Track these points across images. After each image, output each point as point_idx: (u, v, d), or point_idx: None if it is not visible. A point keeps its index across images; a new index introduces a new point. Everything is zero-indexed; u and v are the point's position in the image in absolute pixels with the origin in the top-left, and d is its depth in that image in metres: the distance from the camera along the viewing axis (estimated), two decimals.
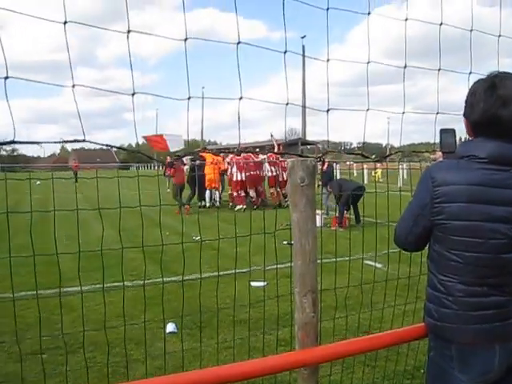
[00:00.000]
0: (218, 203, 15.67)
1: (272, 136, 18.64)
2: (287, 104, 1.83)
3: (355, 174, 25.83)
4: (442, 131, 1.99)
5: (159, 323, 4.00)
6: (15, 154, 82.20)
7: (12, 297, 4.81)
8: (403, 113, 2.15)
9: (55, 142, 1.41)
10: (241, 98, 1.73)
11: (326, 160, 14.88)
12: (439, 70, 2.25)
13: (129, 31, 1.46)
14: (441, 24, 2.18)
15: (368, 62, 2.04)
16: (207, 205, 15.53)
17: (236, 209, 14.50)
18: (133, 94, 1.53)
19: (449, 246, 1.69)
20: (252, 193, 15.31)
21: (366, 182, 19.03)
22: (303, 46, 39.91)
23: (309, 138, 63.39)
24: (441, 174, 1.69)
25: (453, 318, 1.70)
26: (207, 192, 15.71)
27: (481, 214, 1.62)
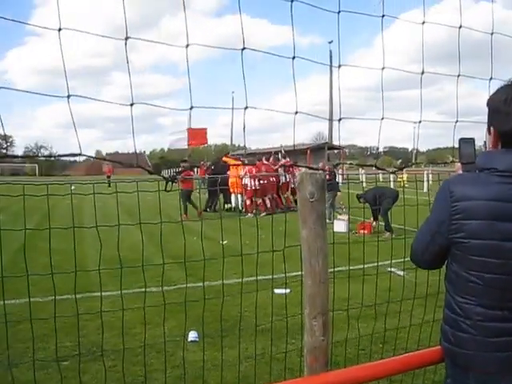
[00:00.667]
0: (240, 208, 15.75)
1: (282, 146, 19.96)
2: (296, 113, 1.78)
3: (381, 179, 25.39)
4: (462, 141, 1.87)
5: (182, 331, 4.02)
6: (52, 158, 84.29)
7: (40, 301, 4.97)
8: (420, 122, 2.09)
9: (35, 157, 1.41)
10: (246, 108, 1.72)
11: (327, 167, 15.27)
12: (458, 75, 2.17)
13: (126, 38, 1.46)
14: (460, 27, 2.12)
15: (383, 68, 1.99)
16: (233, 208, 15.73)
17: (245, 217, 14.54)
18: (131, 105, 1.54)
19: (467, 266, 1.59)
20: (267, 201, 15.42)
21: (392, 186, 18.67)
22: (330, 52, 39.66)
23: (335, 142, 62.87)
24: (460, 188, 1.58)
25: (470, 343, 1.60)
26: (232, 196, 15.90)
27: (501, 233, 1.51)
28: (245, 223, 9.69)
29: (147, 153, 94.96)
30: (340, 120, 1.98)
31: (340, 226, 10.73)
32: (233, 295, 4.70)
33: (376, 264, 4.15)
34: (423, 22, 2.07)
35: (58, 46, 1.33)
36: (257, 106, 1.76)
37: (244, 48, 1.63)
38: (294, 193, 15.86)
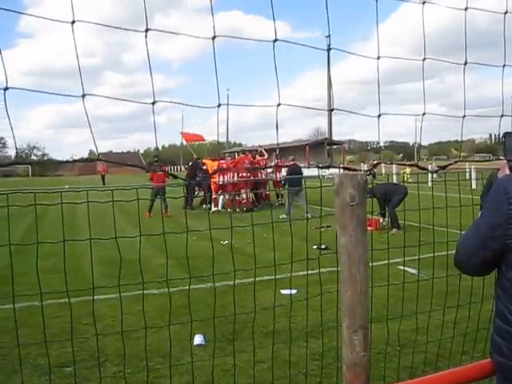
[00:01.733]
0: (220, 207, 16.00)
1: (260, 146, 20.68)
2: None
3: (383, 174, 25.34)
4: (507, 135, 1.70)
5: (187, 334, 3.86)
6: (45, 158, 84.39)
7: (38, 305, 4.80)
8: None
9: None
10: (279, 105, 1.58)
11: (291, 158, 15.65)
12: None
13: (147, 30, 1.33)
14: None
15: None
16: (213, 209, 15.82)
17: (211, 211, 14.97)
18: (153, 103, 1.40)
19: None
20: (244, 195, 15.66)
21: (395, 181, 18.63)
22: (328, 46, 39.59)
23: (335, 137, 63.02)
24: None
25: None
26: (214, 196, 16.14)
27: None
28: (245, 221, 9.56)
29: (141, 151, 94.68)
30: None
31: None
32: (238, 296, 4.57)
33: (386, 262, 4.04)
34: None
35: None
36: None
37: (276, 40, 1.52)
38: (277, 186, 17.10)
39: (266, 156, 18.18)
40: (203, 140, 20.81)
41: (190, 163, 18.22)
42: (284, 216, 12.94)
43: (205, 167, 16.71)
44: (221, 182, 15.97)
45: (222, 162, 16.72)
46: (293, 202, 13.39)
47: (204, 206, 16.17)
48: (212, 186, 16.01)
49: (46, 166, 74.03)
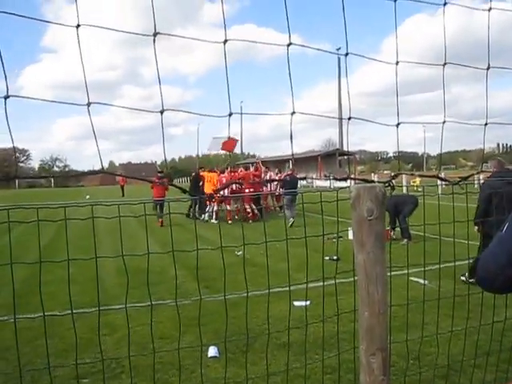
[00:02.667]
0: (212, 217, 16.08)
1: (257, 158, 21.93)
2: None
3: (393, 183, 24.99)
4: None
5: (201, 346, 3.91)
6: (67, 169, 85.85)
7: (58, 315, 4.90)
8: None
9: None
10: (293, 113, 1.62)
11: (291, 169, 15.86)
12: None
13: (155, 34, 1.40)
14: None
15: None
16: (206, 219, 15.99)
17: (212, 222, 15.32)
18: (161, 112, 1.47)
19: None
20: (248, 207, 15.85)
21: (404, 191, 18.46)
22: (338, 58, 39.54)
23: (345, 148, 62.65)
24: None
25: None
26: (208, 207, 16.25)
27: None
28: (256, 231, 9.57)
29: (158, 163, 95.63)
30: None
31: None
32: (251, 307, 4.60)
33: (396, 272, 4.02)
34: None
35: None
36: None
37: (290, 44, 1.58)
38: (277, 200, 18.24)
39: (263, 169, 18.84)
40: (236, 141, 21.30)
41: (193, 174, 18.16)
42: (291, 219, 13.28)
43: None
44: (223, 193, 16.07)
45: (222, 175, 16.83)
46: (291, 205, 13.88)
47: (203, 216, 16.34)
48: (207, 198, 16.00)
49: (67, 177, 75.22)
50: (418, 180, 22.06)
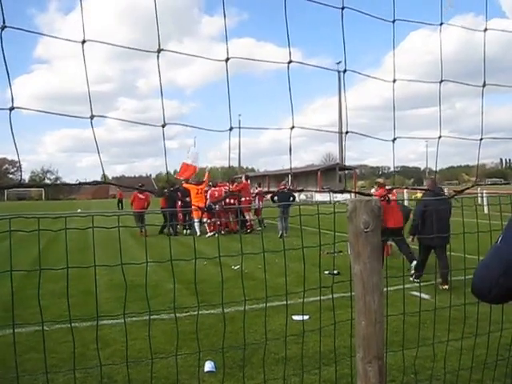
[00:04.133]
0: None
1: (247, 175, 22.23)
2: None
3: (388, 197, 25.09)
4: None
5: (197, 361, 3.80)
6: (58, 182, 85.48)
7: (47, 329, 4.79)
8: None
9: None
10: (292, 127, 1.58)
11: (283, 183, 16.14)
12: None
13: (159, 50, 1.36)
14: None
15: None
16: (208, 234, 15.94)
17: (207, 236, 15.32)
18: (163, 126, 1.42)
19: None
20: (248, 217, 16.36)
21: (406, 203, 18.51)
22: (338, 73, 40.00)
23: (346, 163, 63.08)
24: None
25: None
26: (196, 222, 16.04)
27: None
28: (253, 246, 9.51)
29: (153, 176, 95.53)
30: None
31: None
32: (248, 322, 4.50)
33: (399, 287, 3.97)
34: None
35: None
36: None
37: (290, 61, 1.58)
38: (256, 214, 18.24)
39: (247, 182, 18.95)
40: (195, 171, 20.14)
41: (171, 189, 17.06)
42: (280, 232, 13.38)
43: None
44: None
45: (213, 189, 17.06)
46: (282, 217, 13.91)
47: (185, 231, 16.47)
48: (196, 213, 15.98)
49: (59, 190, 74.79)
50: (419, 195, 22.10)
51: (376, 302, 1.57)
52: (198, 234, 15.62)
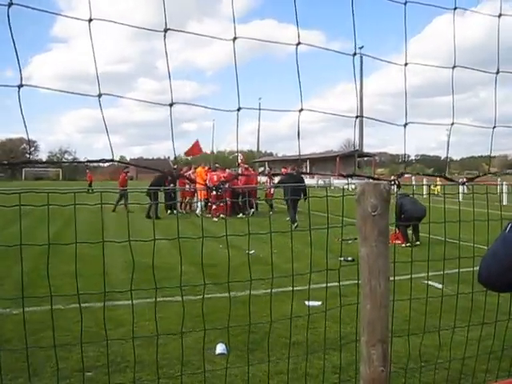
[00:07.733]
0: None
1: (239, 154, 24.60)
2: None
3: (414, 187, 24.83)
4: None
5: (208, 343, 3.83)
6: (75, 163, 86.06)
7: (62, 308, 4.87)
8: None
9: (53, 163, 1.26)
10: (301, 110, 1.54)
11: (291, 167, 16.10)
12: (497, 72, 1.98)
13: (166, 30, 1.35)
14: (500, 15, 1.96)
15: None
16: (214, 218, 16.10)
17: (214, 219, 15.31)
18: (170, 105, 1.40)
19: None
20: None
21: (424, 195, 18.24)
22: (361, 57, 39.35)
23: (365, 150, 62.43)
24: None
25: None
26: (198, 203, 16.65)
27: None
28: (259, 227, 9.50)
29: (171, 158, 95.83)
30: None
31: None
32: (262, 306, 4.52)
33: (410, 276, 3.93)
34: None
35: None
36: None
37: (299, 43, 1.55)
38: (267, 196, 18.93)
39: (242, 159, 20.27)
40: (200, 152, 21.43)
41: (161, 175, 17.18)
42: (296, 225, 12.93)
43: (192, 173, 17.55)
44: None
45: (213, 173, 17.18)
46: (292, 207, 13.34)
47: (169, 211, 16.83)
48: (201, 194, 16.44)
49: (76, 171, 75.42)
50: (438, 187, 21.77)
51: (382, 285, 1.57)
52: (199, 213, 15.97)
